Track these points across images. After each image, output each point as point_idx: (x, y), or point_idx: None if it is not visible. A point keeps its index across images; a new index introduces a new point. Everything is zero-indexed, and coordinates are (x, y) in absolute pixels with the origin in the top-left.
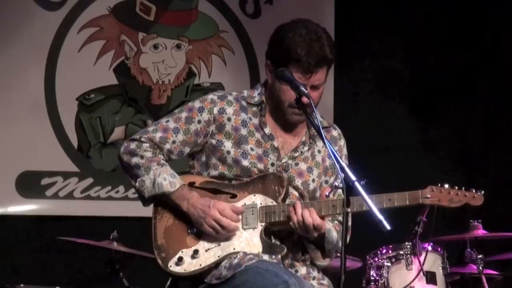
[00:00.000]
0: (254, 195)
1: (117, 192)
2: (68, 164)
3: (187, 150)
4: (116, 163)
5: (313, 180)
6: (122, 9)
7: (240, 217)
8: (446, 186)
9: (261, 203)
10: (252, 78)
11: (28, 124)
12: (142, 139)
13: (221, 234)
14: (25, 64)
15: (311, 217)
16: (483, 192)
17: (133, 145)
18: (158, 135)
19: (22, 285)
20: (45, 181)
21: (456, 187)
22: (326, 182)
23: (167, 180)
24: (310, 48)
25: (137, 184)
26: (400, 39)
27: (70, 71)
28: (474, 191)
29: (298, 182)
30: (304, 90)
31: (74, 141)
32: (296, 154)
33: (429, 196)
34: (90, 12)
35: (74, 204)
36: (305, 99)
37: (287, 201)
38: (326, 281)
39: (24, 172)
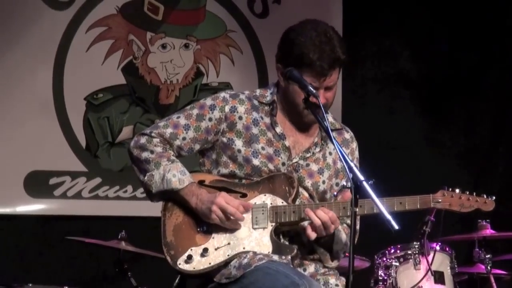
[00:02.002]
0: (265, 195)
1: (125, 191)
2: (76, 164)
3: (197, 147)
4: (124, 163)
5: (323, 182)
6: (130, 9)
7: (248, 212)
8: (457, 190)
9: (271, 203)
10: (260, 77)
11: (36, 123)
12: (153, 134)
13: (227, 224)
14: (33, 64)
15: (326, 214)
16: (494, 197)
17: (143, 140)
18: (169, 131)
19: (30, 285)
20: (53, 180)
21: (467, 192)
22: (337, 184)
23: (176, 176)
24: (322, 51)
25: (145, 178)
26: (408, 38)
27: (78, 70)
28: (485, 196)
29: (308, 182)
30: (311, 89)
31: (82, 141)
32: (308, 155)
33: (440, 200)
34: (98, 12)
35: (82, 204)
36: (313, 99)
37: (297, 202)
38: (332, 271)
39: (32, 172)
